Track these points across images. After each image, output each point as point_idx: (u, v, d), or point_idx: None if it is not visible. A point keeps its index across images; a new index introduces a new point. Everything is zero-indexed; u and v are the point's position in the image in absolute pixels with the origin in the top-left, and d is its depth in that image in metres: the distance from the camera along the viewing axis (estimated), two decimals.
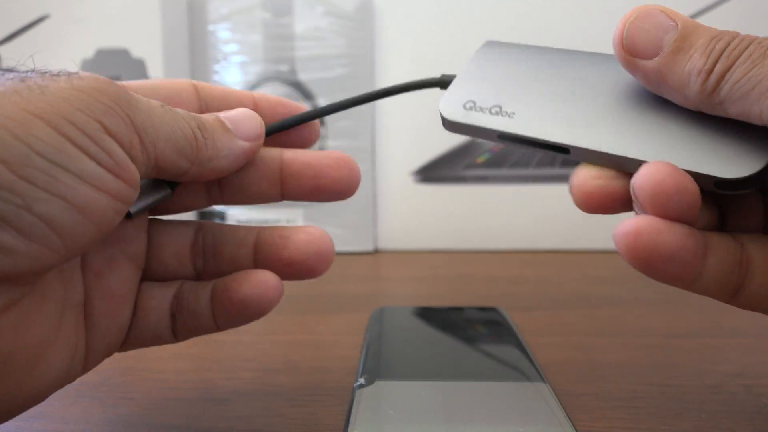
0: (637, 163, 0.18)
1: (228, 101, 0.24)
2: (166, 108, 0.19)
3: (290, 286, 0.45)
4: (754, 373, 0.27)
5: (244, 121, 0.22)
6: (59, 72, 0.17)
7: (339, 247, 0.59)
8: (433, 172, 0.59)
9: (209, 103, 0.24)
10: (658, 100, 0.20)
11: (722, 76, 0.17)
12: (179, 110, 0.20)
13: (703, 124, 0.19)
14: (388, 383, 0.24)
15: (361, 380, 0.24)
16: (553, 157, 0.58)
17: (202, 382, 0.27)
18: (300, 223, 0.59)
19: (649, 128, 0.20)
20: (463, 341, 0.30)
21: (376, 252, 0.59)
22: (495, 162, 0.58)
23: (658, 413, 0.24)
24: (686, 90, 0.18)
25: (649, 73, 0.19)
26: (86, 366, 0.21)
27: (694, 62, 0.17)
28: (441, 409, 0.22)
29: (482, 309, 0.35)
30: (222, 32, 0.58)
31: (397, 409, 0.22)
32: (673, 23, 0.18)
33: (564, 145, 0.20)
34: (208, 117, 0.21)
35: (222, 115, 0.22)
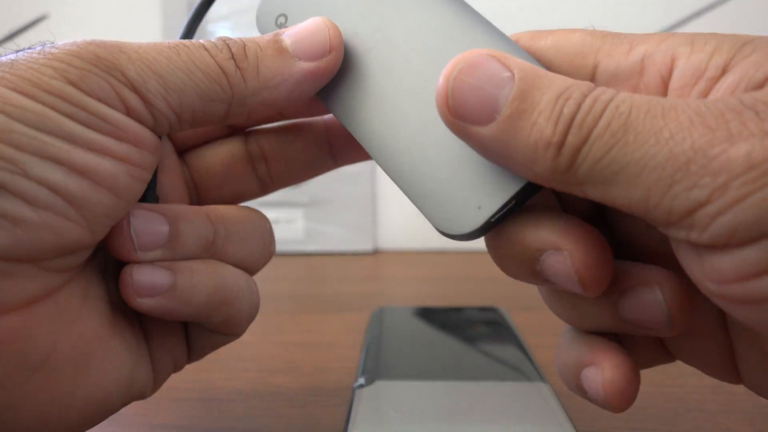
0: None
1: None
2: (178, 47, 0.17)
3: (290, 286, 0.45)
4: None
5: (309, 34, 0.18)
6: (32, 46, 0.16)
7: (339, 247, 0.59)
8: None
9: None
10: None
11: (576, 151, 0.13)
12: (200, 42, 0.18)
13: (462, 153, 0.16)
14: (388, 383, 0.24)
15: (361, 380, 0.24)
16: None
17: (202, 382, 0.27)
18: (300, 223, 0.59)
19: (423, 141, 0.17)
20: (463, 341, 0.30)
21: (376, 252, 0.59)
22: None
23: (658, 413, 0.24)
24: (534, 166, 0.14)
25: (485, 143, 0.14)
26: (156, 375, 0.20)
27: (540, 131, 0.13)
28: (441, 409, 0.22)
29: (482, 309, 0.35)
30: (222, 32, 0.58)
31: (397, 409, 0.22)
32: (509, 73, 0.14)
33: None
34: (255, 39, 0.18)
35: (283, 32, 0.18)
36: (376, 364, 0.26)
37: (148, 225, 0.18)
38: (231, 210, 0.20)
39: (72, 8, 0.51)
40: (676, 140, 0.12)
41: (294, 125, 0.22)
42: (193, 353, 0.21)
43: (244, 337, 0.34)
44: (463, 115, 0.14)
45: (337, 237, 0.59)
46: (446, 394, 0.23)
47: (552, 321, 0.36)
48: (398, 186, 0.18)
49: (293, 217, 0.59)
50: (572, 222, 0.15)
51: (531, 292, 0.44)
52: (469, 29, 0.17)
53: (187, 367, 0.29)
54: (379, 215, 0.60)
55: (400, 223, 0.59)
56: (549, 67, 0.16)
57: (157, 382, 0.20)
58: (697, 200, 0.12)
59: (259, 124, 0.23)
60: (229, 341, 0.21)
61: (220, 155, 0.22)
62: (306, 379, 0.28)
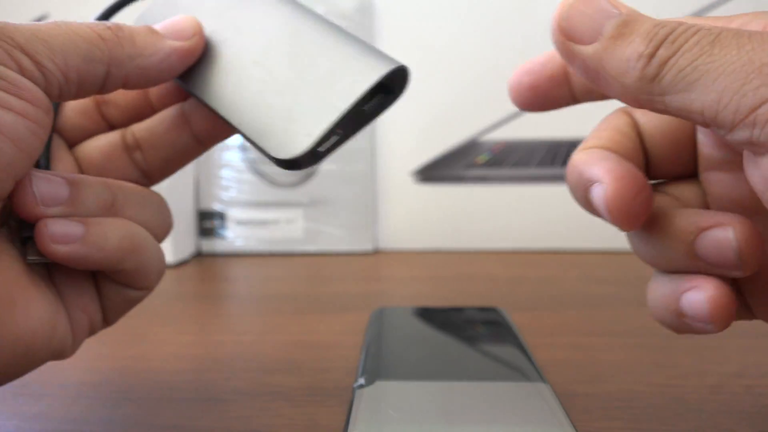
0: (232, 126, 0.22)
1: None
2: (59, 22, 0.20)
3: (290, 286, 0.45)
4: (755, 374, 0.27)
5: (176, 22, 0.23)
6: None
7: (339, 247, 0.59)
8: (433, 172, 0.59)
9: None
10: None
11: (665, 62, 0.16)
12: (81, 21, 0.21)
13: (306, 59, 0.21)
14: (388, 383, 0.24)
15: (361, 380, 0.24)
16: (553, 157, 0.58)
17: (202, 382, 0.27)
18: (300, 222, 0.59)
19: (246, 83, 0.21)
20: (463, 341, 0.30)
21: (376, 252, 0.59)
22: (495, 162, 0.58)
23: (658, 413, 0.24)
24: (624, 78, 0.16)
25: (586, 59, 0.17)
26: (74, 334, 0.21)
27: (635, 47, 0.16)
28: (441, 409, 0.22)
29: (482, 309, 0.35)
30: None
31: (397, 409, 0.22)
32: (616, 11, 0.17)
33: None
34: (130, 24, 0.22)
35: (154, 25, 0.23)
36: (376, 364, 0.26)
37: (49, 185, 0.20)
38: (127, 182, 0.23)
39: (72, 8, 0.51)
40: (756, 51, 0.14)
41: (160, 114, 0.25)
42: (108, 313, 0.23)
43: (244, 337, 0.34)
44: (572, 36, 0.17)
45: (337, 237, 0.59)
46: (446, 394, 0.23)
47: (552, 321, 0.36)
48: (242, 131, 0.21)
49: (293, 217, 0.59)
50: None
51: (531, 292, 0.44)
52: (301, 22, 0.22)
53: (187, 367, 0.29)
54: (379, 215, 0.60)
55: (400, 223, 0.59)
56: None
57: (75, 342, 0.21)
58: (763, 96, 0.14)
59: (135, 110, 0.25)
60: (141, 297, 0.23)
61: (100, 145, 0.25)
62: (306, 379, 0.28)
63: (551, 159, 0.58)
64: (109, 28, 0.21)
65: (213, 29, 0.23)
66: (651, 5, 0.60)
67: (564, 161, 0.57)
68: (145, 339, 0.33)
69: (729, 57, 0.15)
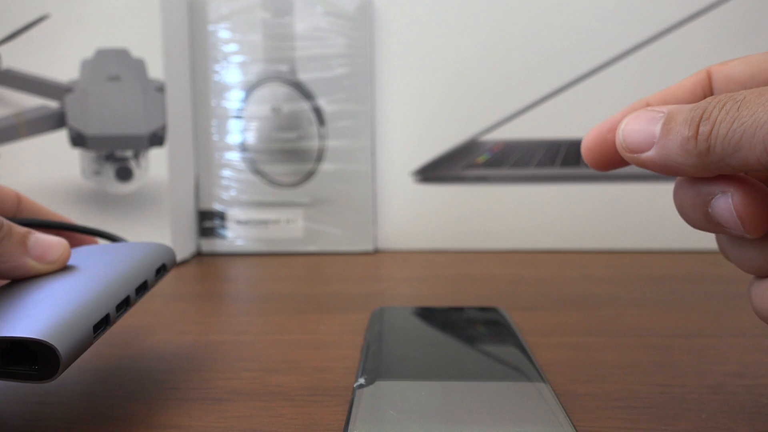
0: None
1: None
2: None
3: (290, 286, 0.45)
4: (755, 373, 0.27)
5: (48, 245, 0.25)
6: None
7: (339, 247, 0.59)
8: (433, 172, 0.59)
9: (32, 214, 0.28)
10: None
11: (708, 136, 0.18)
12: None
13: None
14: (388, 383, 0.24)
15: (361, 380, 0.24)
16: (553, 157, 0.58)
17: (202, 382, 0.27)
18: (300, 222, 0.59)
19: None
20: (463, 341, 0.30)
21: (376, 252, 0.59)
22: (495, 162, 0.58)
23: (658, 413, 0.24)
24: (687, 160, 0.19)
25: (653, 161, 0.20)
26: None
27: (682, 133, 0.19)
28: (441, 409, 0.22)
29: (482, 309, 0.35)
30: (222, 32, 0.58)
31: (397, 409, 0.22)
32: (661, 113, 0.20)
33: None
34: (14, 226, 0.24)
35: (35, 234, 0.25)
36: (376, 364, 0.26)
37: None
38: None
39: (72, 8, 0.51)
40: None
41: None
42: None
43: (244, 336, 0.34)
44: (635, 149, 0.20)
45: (337, 237, 0.59)
46: (446, 394, 0.23)
47: (552, 321, 0.36)
48: None
49: (293, 217, 0.59)
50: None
51: (531, 292, 0.44)
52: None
53: (187, 366, 0.29)
54: (379, 215, 0.60)
55: (400, 223, 0.59)
56: (735, 78, 0.23)
57: None
58: None
59: None
60: None
61: None
62: (306, 379, 0.28)
63: (551, 159, 0.58)
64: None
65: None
66: (655, 7, 0.60)
67: (564, 161, 0.57)
68: (145, 339, 0.33)
69: (756, 114, 0.17)
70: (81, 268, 0.25)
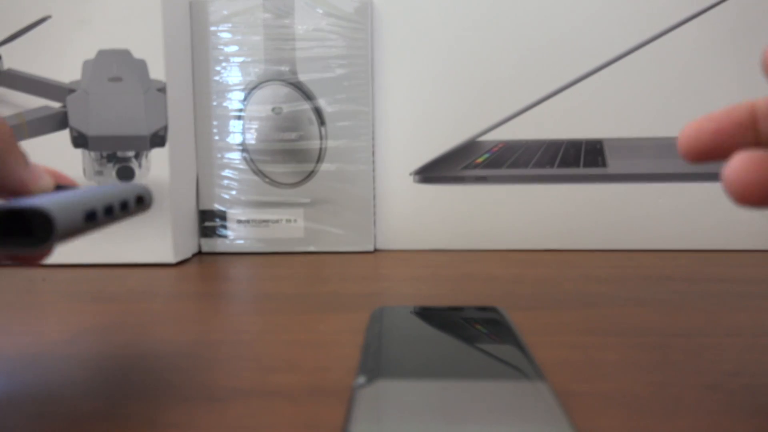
0: None
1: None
2: None
3: (290, 285, 0.45)
4: (753, 372, 0.28)
5: (40, 170, 0.26)
6: None
7: (339, 246, 0.59)
8: (433, 172, 0.59)
9: None
10: None
11: None
12: None
13: None
14: (388, 383, 0.24)
15: (361, 380, 0.24)
16: (553, 158, 0.58)
17: (203, 381, 0.27)
18: (300, 222, 0.59)
19: None
20: (463, 341, 0.30)
21: (376, 252, 0.59)
22: (494, 162, 0.58)
23: (657, 413, 0.24)
24: None
25: None
26: None
27: None
28: (441, 408, 0.22)
29: (482, 309, 0.35)
30: (223, 33, 0.58)
31: (397, 408, 0.22)
32: None
33: None
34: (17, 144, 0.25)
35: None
36: (376, 364, 0.26)
37: None
38: None
39: (74, 9, 0.51)
40: None
41: None
42: None
43: (245, 336, 0.34)
44: (754, 201, 0.19)
45: (337, 237, 0.59)
46: (446, 393, 0.23)
47: (552, 320, 0.36)
48: None
49: (293, 217, 0.59)
50: None
51: (531, 291, 0.44)
52: None
53: (187, 366, 0.29)
54: (379, 215, 0.60)
55: (400, 223, 0.60)
56: None
57: None
58: None
59: None
60: None
61: None
62: (306, 379, 0.28)
63: (550, 159, 0.58)
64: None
65: None
66: (655, 7, 0.60)
67: (563, 161, 0.57)
68: (145, 338, 0.33)
69: None
70: (67, 190, 0.27)
